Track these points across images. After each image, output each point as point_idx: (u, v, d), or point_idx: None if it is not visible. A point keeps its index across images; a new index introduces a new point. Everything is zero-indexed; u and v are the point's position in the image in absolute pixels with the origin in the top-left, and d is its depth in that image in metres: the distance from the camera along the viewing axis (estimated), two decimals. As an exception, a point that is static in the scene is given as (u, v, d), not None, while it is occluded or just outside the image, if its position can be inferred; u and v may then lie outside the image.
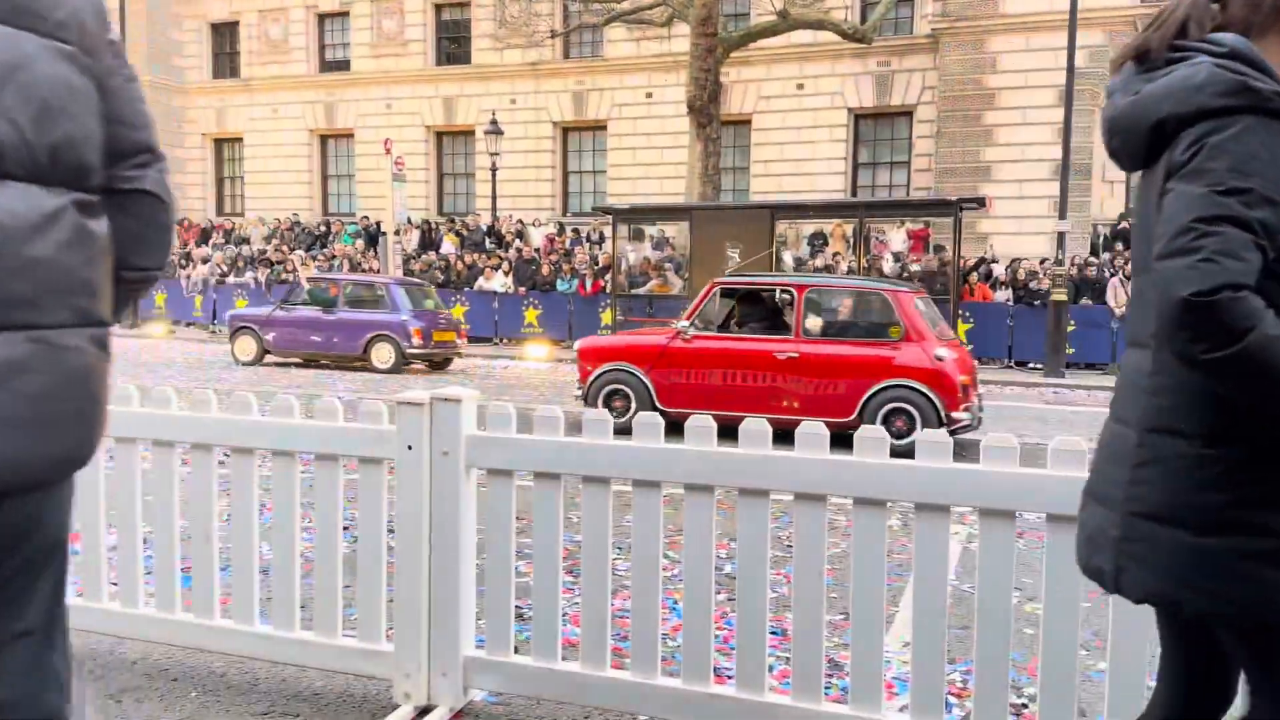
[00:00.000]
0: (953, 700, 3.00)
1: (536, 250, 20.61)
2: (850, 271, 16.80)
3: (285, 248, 22.84)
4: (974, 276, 17.39)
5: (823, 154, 23.31)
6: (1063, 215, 15.89)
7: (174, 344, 18.93)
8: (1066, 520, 2.30)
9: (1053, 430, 9.59)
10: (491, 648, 2.83)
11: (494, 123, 23.09)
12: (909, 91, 22.62)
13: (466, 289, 19.64)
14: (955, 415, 7.83)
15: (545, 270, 19.39)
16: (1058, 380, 14.78)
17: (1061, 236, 15.85)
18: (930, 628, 2.41)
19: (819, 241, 19.33)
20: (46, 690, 1.51)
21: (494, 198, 23.22)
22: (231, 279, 21.60)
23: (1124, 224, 19.18)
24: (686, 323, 8.72)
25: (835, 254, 18.19)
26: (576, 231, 22.52)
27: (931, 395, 7.88)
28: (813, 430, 2.51)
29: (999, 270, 17.94)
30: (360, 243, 22.59)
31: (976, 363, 16.36)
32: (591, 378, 8.93)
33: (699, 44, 17.70)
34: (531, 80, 25.91)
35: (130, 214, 1.56)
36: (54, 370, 1.38)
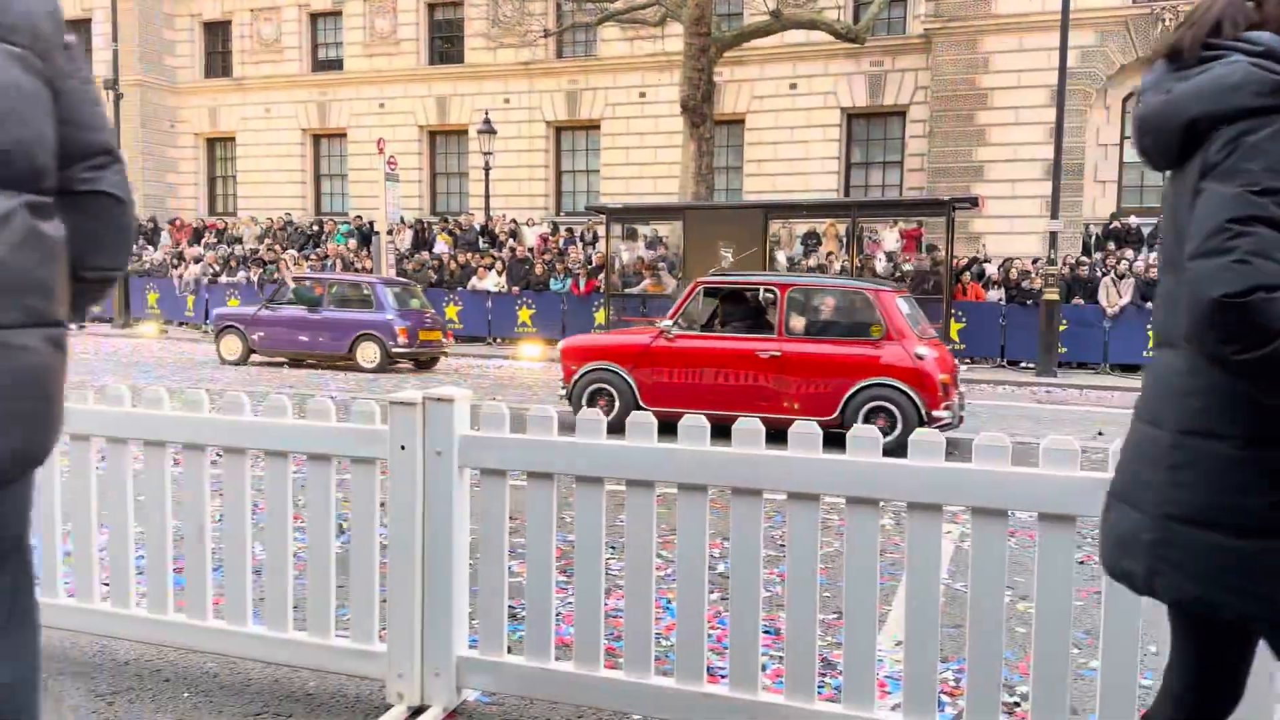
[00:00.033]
0: (945, 699, 3.00)
1: (530, 250, 20.59)
2: (843, 271, 16.83)
3: (278, 247, 22.78)
4: (966, 276, 17.42)
5: (816, 154, 23.33)
6: (1055, 215, 15.93)
7: (165, 344, 18.86)
8: (1058, 519, 2.31)
9: (1045, 429, 9.62)
10: (485, 648, 2.83)
11: (487, 122, 23.06)
12: (902, 91, 22.65)
13: (460, 288, 19.62)
14: (936, 414, 7.88)
15: (539, 270, 19.38)
16: (1050, 379, 14.82)
17: (1054, 236, 15.90)
18: (923, 626, 2.42)
19: (812, 241, 19.35)
20: (7, 687, 1.51)
21: (487, 197, 23.19)
22: (224, 278, 21.53)
23: (1115, 223, 19.24)
24: (670, 322, 8.75)
25: (829, 254, 18.21)
26: (570, 231, 22.50)
27: (912, 394, 7.93)
28: (805, 430, 2.51)
29: (991, 270, 17.97)
30: (353, 242, 22.54)
31: (969, 361, 16.52)
32: (575, 377, 8.95)
33: (692, 43, 17.71)
34: (525, 79, 25.89)
35: (88, 215, 1.57)
36: (6, 370, 1.38)
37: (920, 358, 7.96)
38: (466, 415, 2.84)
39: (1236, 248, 1.30)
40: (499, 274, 19.58)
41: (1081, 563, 4.57)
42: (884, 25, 22.37)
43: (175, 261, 22.87)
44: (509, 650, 2.85)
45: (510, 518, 2.86)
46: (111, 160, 1.60)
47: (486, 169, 23.04)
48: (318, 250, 22.49)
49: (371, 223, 22.61)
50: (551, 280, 19.20)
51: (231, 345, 15.20)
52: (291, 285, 15.47)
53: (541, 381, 13.65)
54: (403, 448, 2.78)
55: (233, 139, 29.32)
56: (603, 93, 25.30)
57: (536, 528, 2.79)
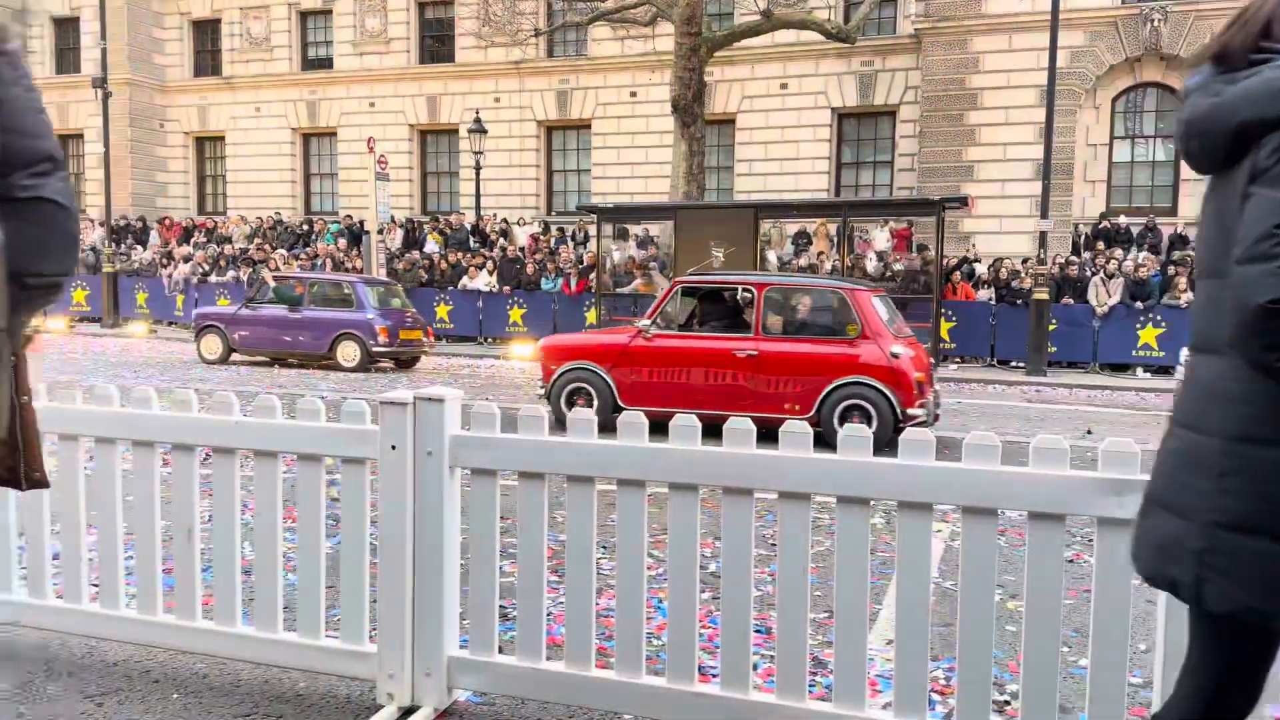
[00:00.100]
0: (936, 697, 3.01)
1: (521, 249, 20.56)
2: (834, 270, 16.85)
3: (267, 246, 22.70)
4: (957, 275, 17.46)
5: (806, 153, 23.36)
6: (1044, 214, 15.99)
7: (154, 343, 18.78)
8: (1048, 518, 2.32)
9: (1034, 428, 9.65)
10: (475, 648, 2.83)
11: (478, 121, 23.02)
12: (892, 91, 22.70)
13: (451, 288, 19.58)
14: (911, 411, 7.95)
15: (530, 269, 19.35)
16: (1039, 378, 14.86)
17: (1043, 235, 15.96)
18: (913, 625, 2.43)
19: (803, 241, 19.38)
20: None
21: (478, 196, 23.15)
22: (213, 278, 21.46)
23: (1105, 223, 19.31)
24: (648, 321, 8.78)
25: (819, 253, 18.24)
26: (561, 230, 22.49)
27: (888, 392, 7.99)
28: (796, 429, 2.52)
29: (981, 269, 18.02)
30: (343, 242, 22.48)
31: (959, 361, 16.57)
32: (554, 376, 8.98)
33: (683, 43, 17.71)
34: (515, 79, 25.85)
35: (31, 221, 1.56)
36: None
37: (895, 356, 8.03)
38: (457, 415, 2.84)
39: None
40: (490, 273, 19.55)
41: (1071, 561, 4.59)
42: (874, 25, 22.41)
43: (164, 261, 22.78)
44: (500, 650, 2.85)
45: (501, 517, 2.86)
46: (55, 167, 1.60)
47: (477, 168, 23.01)
48: (307, 250, 22.41)
49: (362, 222, 22.56)
50: (542, 280, 19.18)
51: (212, 345, 15.18)
52: (272, 284, 15.45)
53: (532, 381, 13.62)
54: (393, 447, 2.78)
55: (222, 138, 29.21)
56: (594, 92, 25.28)
57: (528, 527, 2.79)
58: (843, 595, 2.49)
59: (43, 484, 1.98)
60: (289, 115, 28.21)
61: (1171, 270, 16.23)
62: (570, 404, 8.85)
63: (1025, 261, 17.60)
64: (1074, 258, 17.70)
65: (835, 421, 8.00)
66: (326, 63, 27.98)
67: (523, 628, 2.80)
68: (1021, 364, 15.90)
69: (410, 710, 2.80)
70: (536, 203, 26.03)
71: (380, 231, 20.11)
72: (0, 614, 3.27)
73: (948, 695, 3.01)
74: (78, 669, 3.10)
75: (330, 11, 27.63)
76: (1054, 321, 15.85)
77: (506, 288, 19.20)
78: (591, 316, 17.70)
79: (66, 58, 29.82)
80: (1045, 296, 15.48)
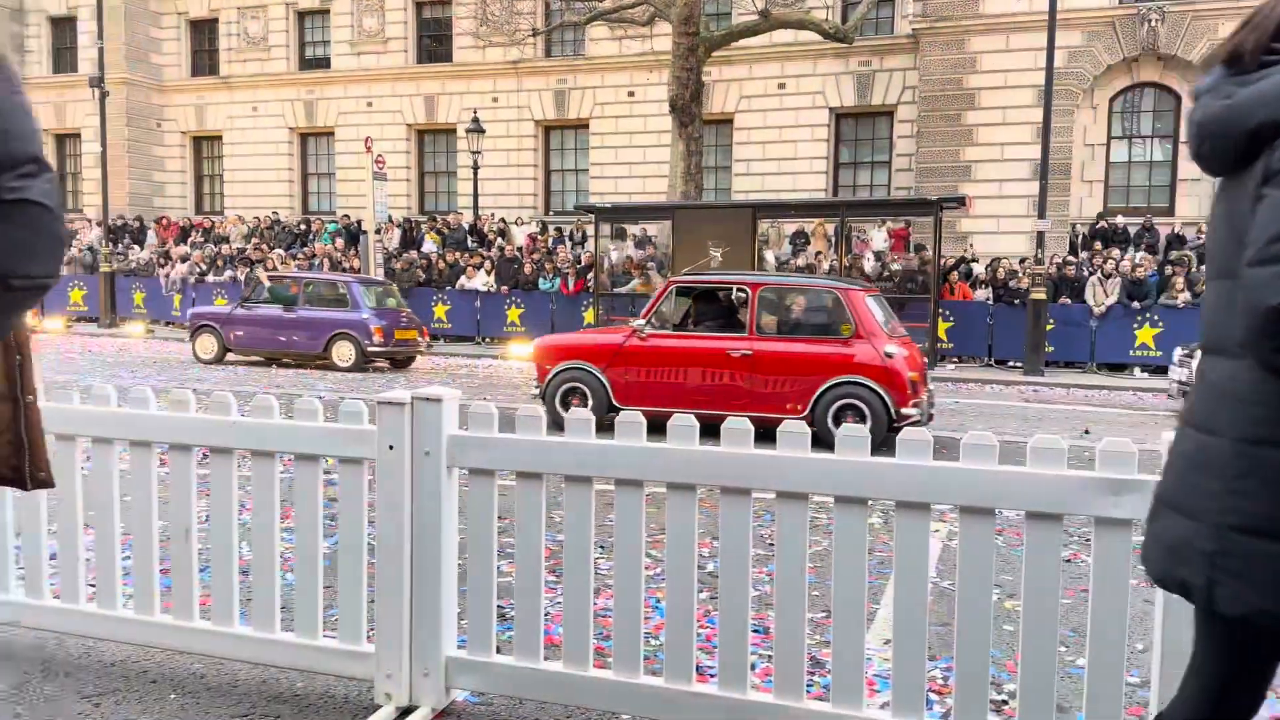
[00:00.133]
0: (933, 697, 3.01)
1: (519, 249, 20.56)
2: (831, 270, 16.86)
3: (265, 246, 22.69)
4: (954, 275, 17.47)
5: (804, 153, 23.37)
6: (1042, 214, 16.00)
7: (151, 343, 18.76)
8: (1045, 518, 2.32)
9: (1032, 428, 9.66)
10: (473, 648, 2.83)
11: (475, 121, 23.02)
12: (890, 91, 22.71)
13: (448, 288, 19.58)
14: (905, 411, 7.97)
15: (527, 269, 19.35)
16: (1037, 378, 14.88)
17: (1041, 235, 15.97)
18: (911, 625, 2.43)
19: (801, 240, 19.39)
20: None
21: (476, 196, 23.15)
22: (210, 278, 21.44)
23: (1102, 223, 19.33)
24: (642, 321, 8.79)
25: (817, 253, 18.25)
26: (559, 230, 22.48)
27: (882, 391, 8.01)
28: (794, 429, 2.52)
29: (979, 269, 18.04)
30: (340, 241, 22.46)
31: (957, 361, 16.58)
32: (549, 376, 8.99)
33: (681, 43, 17.71)
34: (513, 79, 25.85)
35: (17, 224, 1.56)
36: None
37: (889, 356, 8.04)
38: (455, 415, 2.83)
39: None
40: (488, 273, 19.55)
41: (1068, 561, 4.60)
42: (872, 25, 22.42)
43: (162, 260, 22.75)
44: (498, 650, 2.85)
45: (499, 517, 2.86)
46: (40, 170, 1.60)
47: (475, 168, 23.00)
48: (305, 249, 22.39)
49: (359, 222, 22.54)
50: (540, 280, 19.18)
51: (207, 344, 15.18)
52: (267, 284, 15.46)
53: (530, 381, 13.61)
54: (391, 448, 2.78)
55: (219, 138, 29.19)
56: (591, 92, 25.28)
57: (525, 527, 2.79)
58: (840, 595, 2.49)
59: (48, 483, 1.97)
60: (286, 115, 28.19)
61: (1169, 270, 16.25)
62: (565, 404, 8.86)
63: (1023, 261, 17.62)
64: (1071, 258, 17.73)
65: (829, 421, 8.01)
66: (324, 62, 27.97)
67: (520, 628, 2.80)
68: (1019, 364, 15.91)
69: (408, 710, 2.80)
70: (534, 202, 26.02)
71: (378, 231, 20.11)
72: (-3, 614, 3.27)
73: (945, 695, 3.01)
74: (75, 669, 3.09)
75: (328, 11, 27.61)
76: (1051, 321, 15.87)
77: (504, 287, 19.19)
78: (589, 316, 17.70)
79: (63, 57, 29.79)
80: (1043, 296, 15.49)
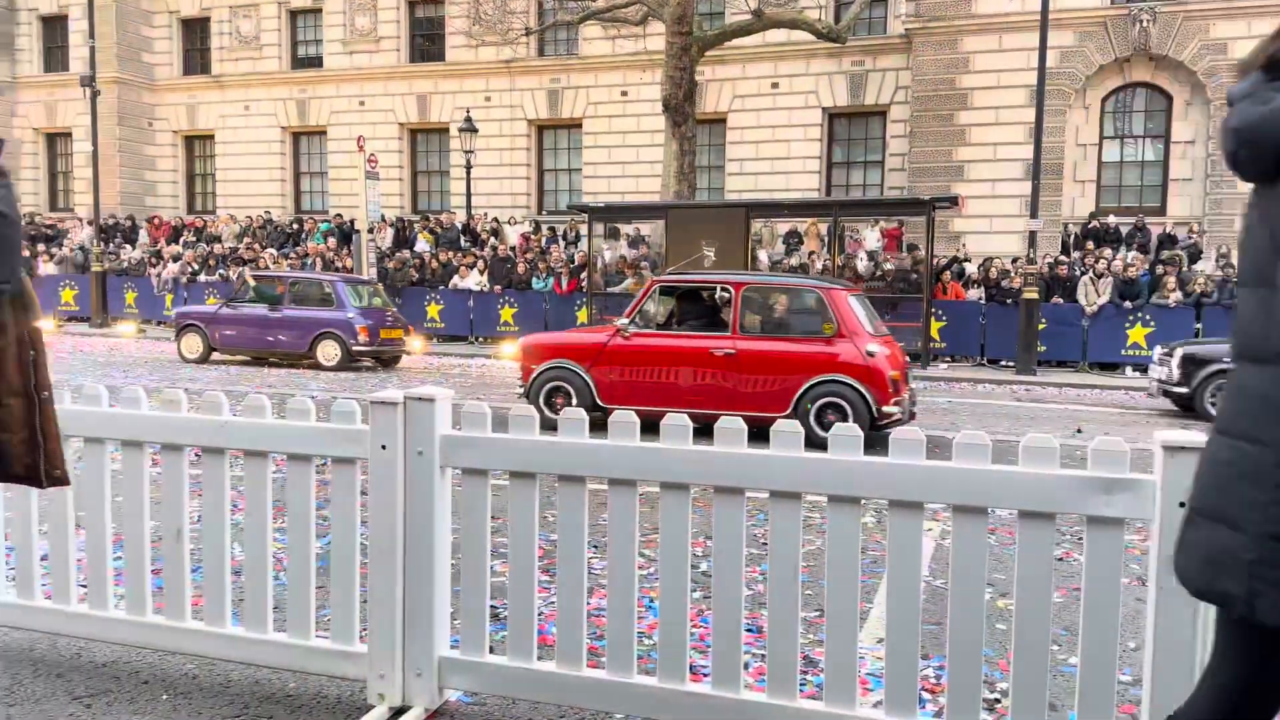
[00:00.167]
0: (926, 696, 3.02)
1: (512, 248, 20.53)
2: (825, 270, 16.88)
3: (257, 246, 22.63)
4: (947, 275, 17.51)
5: (797, 153, 23.39)
6: (1034, 214, 16.04)
7: (143, 343, 18.70)
8: (1038, 517, 2.32)
9: (1024, 427, 9.69)
10: (466, 648, 2.82)
11: (468, 120, 22.99)
12: (883, 91, 22.75)
13: (441, 287, 19.55)
14: (886, 409, 8.02)
15: (521, 268, 19.33)
16: (1029, 377, 14.91)
17: (1033, 235, 16.01)
18: (904, 624, 2.43)
19: (794, 240, 19.41)
20: None
21: (469, 195, 23.12)
22: (202, 277, 21.38)
23: (1094, 223, 19.39)
24: (626, 320, 8.82)
25: (810, 253, 18.27)
26: (552, 230, 22.46)
27: (863, 390, 8.05)
28: (787, 429, 2.52)
29: (971, 269, 18.07)
30: (333, 241, 22.41)
31: (950, 360, 16.61)
32: (533, 375, 9.00)
33: (674, 43, 17.71)
34: (506, 78, 25.82)
35: None
36: None
37: (871, 355, 8.10)
38: (448, 415, 2.83)
39: None
40: (481, 273, 19.52)
41: (1060, 560, 4.61)
42: (865, 25, 22.44)
43: (153, 260, 22.67)
44: (491, 650, 2.85)
45: (492, 517, 2.86)
46: None
47: (468, 167, 22.97)
48: (297, 249, 22.34)
49: (352, 221, 22.50)
50: (534, 279, 19.16)
51: (192, 344, 15.16)
52: (252, 283, 15.45)
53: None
54: (384, 447, 2.77)
55: (211, 137, 29.10)
56: (584, 91, 25.27)
57: (519, 527, 2.78)
58: (834, 594, 2.49)
59: (63, 481, 1.95)
60: (279, 114, 28.12)
61: (1160, 270, 16.30)
62: (549, 403, 8.87)
63: (1015, 261, 17.65)
64: (1063, 257, 17.77)
65: (812, 419, 8.05)
66: (316, 61, 27.90)
67: (514, 627, 2.79)
68: (1011, 363, 15.95)
69: (401, 710, 2.80)
70: (527, 202, 26.00)
71: (370, 230, 20.07)
72: (-12, 615, 3.25)
73: (938, 694, 3.02)
74: (66, 670, 3.08)
75: (320, 10, 27.54)
76: (1043, 321, 15.91)
77: (497, 287, 19.17)
78: (583, 316, 17.70)
79: (54, 56, 29.67)
80: (1035, 296, 15.53)
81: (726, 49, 21.13)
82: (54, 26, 29.67)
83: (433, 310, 19.32)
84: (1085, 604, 2.30)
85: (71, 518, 3.17)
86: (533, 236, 21.64)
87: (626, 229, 20.48)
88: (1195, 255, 17.73)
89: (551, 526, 2.99)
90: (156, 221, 25.97)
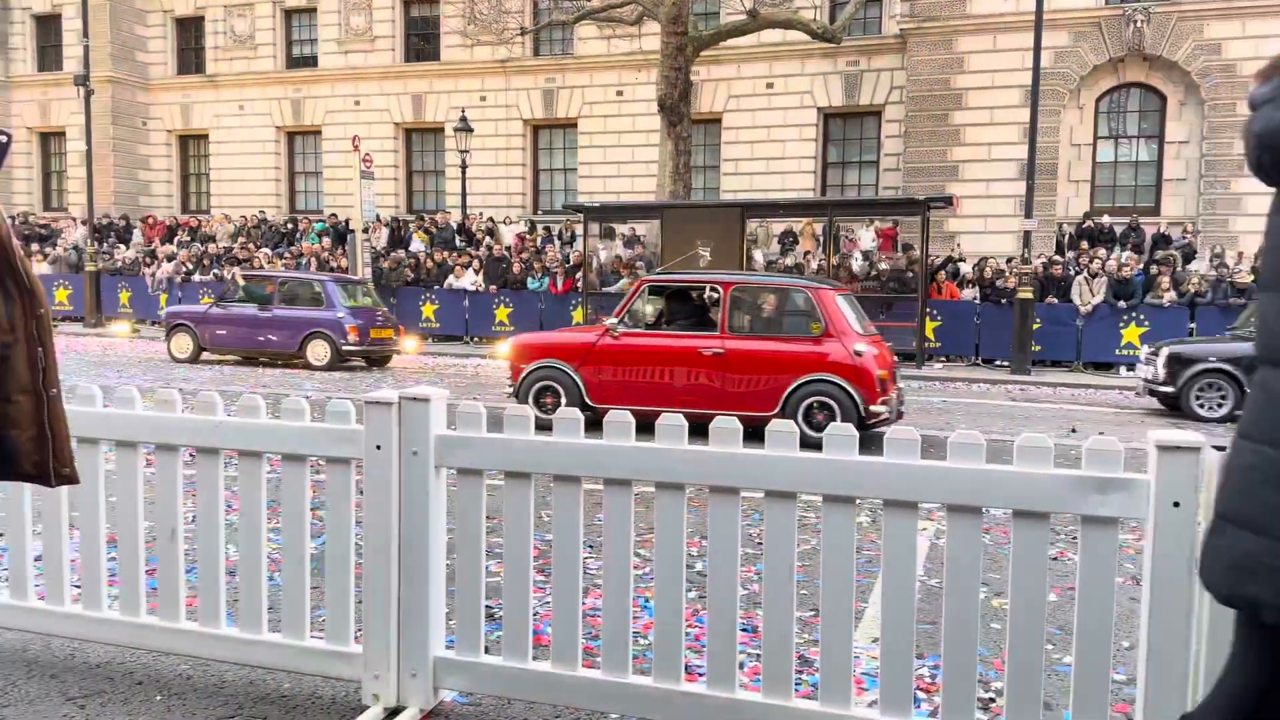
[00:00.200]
0: (921, 695, 3.02)
1: (507, 248, 20.52)
2: (820, 270, 16.90)
3: (252, 245, 22.59)
4: (942, 275, 17.54)
5: (792, 153, 23.40)
6: (1029, 214, 16.07)
7: (137, 343, 18.65)
8: (1032, 516, 2.33)
9: (1019, 427, 9.70)
10: (462, 648, 2.82)
11: (464, 120, 22.96)
12: (877, 91, 22.76)
13: (437, 287, 19.53)
14: (874, 409, 8.06)
15: (516, 268, 19.32)
16: (1024, 377, 14.94)
17: (1028, 235, 16.04)
18: (899, 623, 2.43)
19: (789, 240, 19.42)
20: None
21: (464, 195, 23.09)
22: (197, 277, 21.33)
23: (1088, 223, 19.42)
24: (615, 320, 8.83)
25: (805, 252, 18.29)
26: (547, 229, 22.45)
27: (851, 389, 8.09)
28: (782, 428, 2.52)
29: (966, 269, 18.10)
30: (327, 240, 22.37)
31: (945, 360, 16.63)
32: (523, 375, 9.02)
33: (669, 42, 17.71)
34: (501, 77, 25.80)
35: None
36: None
37: (859, 354, 8.13)
38: (443, 415, 2.83)
39: None
40: (476, 273, 19.50)
41: (1055, 559, 4.62)
42: (860, 25, 22.46)
43: (147, 260, 22.62)
44: (486, 650, 2.84)
45: (487, 517, 2.85)
46: None
47: (463, 167, 22.95)
48: (292, 249, 22.30)
49: (347, 221, 22.46)
50: (529, 279, 19.15)
51: (182, 343, 15.16)
52: (241, 283, 15.43)
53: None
54: (378, 447, 2.77)
55: (206, 136, 29.03)
56: (580, 91, 25.26)
57: (514, 527, 2.78)
58: (828, 594, 2.50)
59: (72, 480, 1.94)
60: (273, 113, 28.07)
61: (1154, 270, 16.34)
62: (539, 402, 8.88)
63: (1010, 261, 17.69)
64: (1058, 257, 17.81)
65: (800, 418, 8.07)
66: (311, 61, 27.85)
67: (509, 628, 2.79)
68: (1006, 363, 15.97)
69: (396, 711, 2.79)
70: (523, 201, 25.98)
71: (365, 230, 20.04)
72: (-19, 616, 3.24)
73: (933, 693, 3.02)
74: (60, 671, 3.07)
75: (315, 9, 27.49)
76: (1038, 320, 15.94)
77: (493, 287, 19.16)
78: (578, 316, 17.69)
79: (48, 55, 29.58)
80: (1029, 296, 15.56)
81: (722, 49, 21.14)
82: (48, 25, 29.59)
83: (428, 310, 19.30)
84: (1080, 603, 2.31)
85: (65, 518, 3.17)
86: (528, 236, 21.63)
87: (622, 229, 20.47)
88: (1189, 255, 17.78)
89: (547, 526, 2.99)
90: (151, 221, 25.91)
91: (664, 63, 17.86)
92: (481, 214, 23.35)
